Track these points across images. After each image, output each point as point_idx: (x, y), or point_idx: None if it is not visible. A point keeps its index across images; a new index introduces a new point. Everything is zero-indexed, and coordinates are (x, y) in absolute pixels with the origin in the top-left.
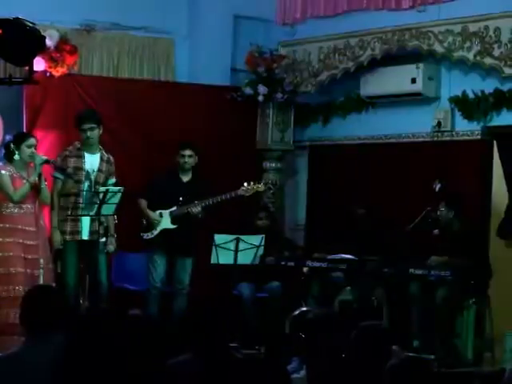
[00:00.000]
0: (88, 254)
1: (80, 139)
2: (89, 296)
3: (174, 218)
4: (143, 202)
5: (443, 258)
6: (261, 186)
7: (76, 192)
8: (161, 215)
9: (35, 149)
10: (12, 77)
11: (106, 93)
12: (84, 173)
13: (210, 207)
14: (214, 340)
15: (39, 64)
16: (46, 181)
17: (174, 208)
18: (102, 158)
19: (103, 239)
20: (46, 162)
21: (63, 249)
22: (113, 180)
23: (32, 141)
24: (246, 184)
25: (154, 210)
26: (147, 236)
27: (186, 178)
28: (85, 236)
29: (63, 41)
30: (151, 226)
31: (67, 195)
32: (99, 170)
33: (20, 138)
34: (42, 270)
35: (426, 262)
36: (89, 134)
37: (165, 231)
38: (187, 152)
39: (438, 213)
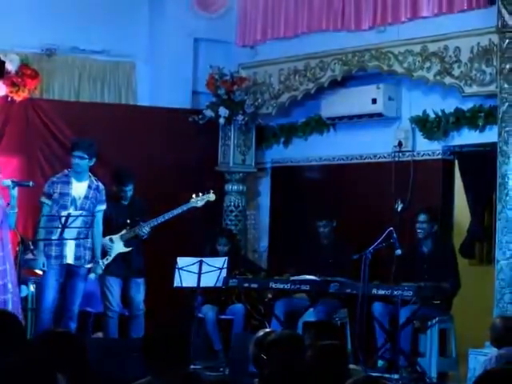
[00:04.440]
0: (68, 279)
1: (70, 164)
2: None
3: (126, 242)
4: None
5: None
6: (211, 196)
7: (60, 217)
8: (111, 240)
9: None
10: None
11: (68, 117)
12: (70, 198)
13: (158, 226)
14: (176, 363)
15: (0, 89)
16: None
17: (124, 231)
18: (89, 186)
19: (89, 265)
20: (19, 184)
21: (45, 272)
22: (102, 207)
23: None
24: (194, 195)
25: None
26: (103, 263)
27: (125, 202)
28: (70, 260)
29: (24, 65)
30: (104, 252)
31: (52, 220)
32: (85, 197)
33: None
34: (10, 295)
35: (388, 282)
36: (77, 161)
37: (119, 255)
38: (129, 187)
39: (418, 224)
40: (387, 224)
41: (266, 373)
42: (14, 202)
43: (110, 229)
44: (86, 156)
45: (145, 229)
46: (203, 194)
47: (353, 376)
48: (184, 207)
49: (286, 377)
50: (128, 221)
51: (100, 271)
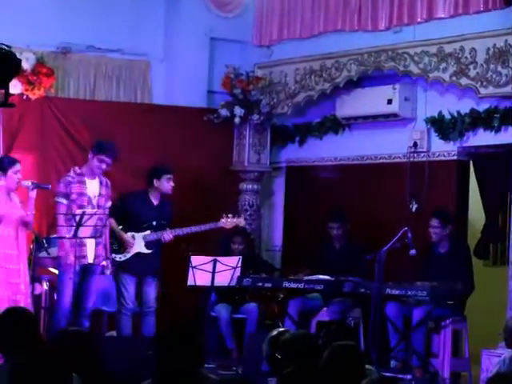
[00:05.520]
0: (83, 277)
1: (89, 163)
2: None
3: (148, 243)
4: (113, 222)
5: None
6: (242, 221)
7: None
8: (133, 237)
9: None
10: None
11: (83, 115)
12: (86, 198)
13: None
14: (189, 362)
15: (16, 87)
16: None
17: (148, 232)
18: (101, 183)
19: (104, 262)
20: (38, 186)
21: (62, 271)
22: (110, 203)
23: (19, 166)
24: (225, 216)
25: (124, 230)
26: (120, 258)
27: (156, 201)
28: (90, 260)
29: (39, 63)
30: (124, 247)
31: (68, 219)
32: (100, 194)
33: (7, 164)
34: (22, 296)
35: (402, 283)
36: (104, 167)
37: (137, 254)
38: (172, 175)
39: (430, 229)
40: (402, 224)
41: (286, 372)
42: (31, 204)
43: (134, 226)
44: (112, 161)
45: (168, 236)
46: (233, 217)
47: (368, 376)
48: (212, 225)
49: (305, 376)
50: (154, 223)
51: (110, 268)
